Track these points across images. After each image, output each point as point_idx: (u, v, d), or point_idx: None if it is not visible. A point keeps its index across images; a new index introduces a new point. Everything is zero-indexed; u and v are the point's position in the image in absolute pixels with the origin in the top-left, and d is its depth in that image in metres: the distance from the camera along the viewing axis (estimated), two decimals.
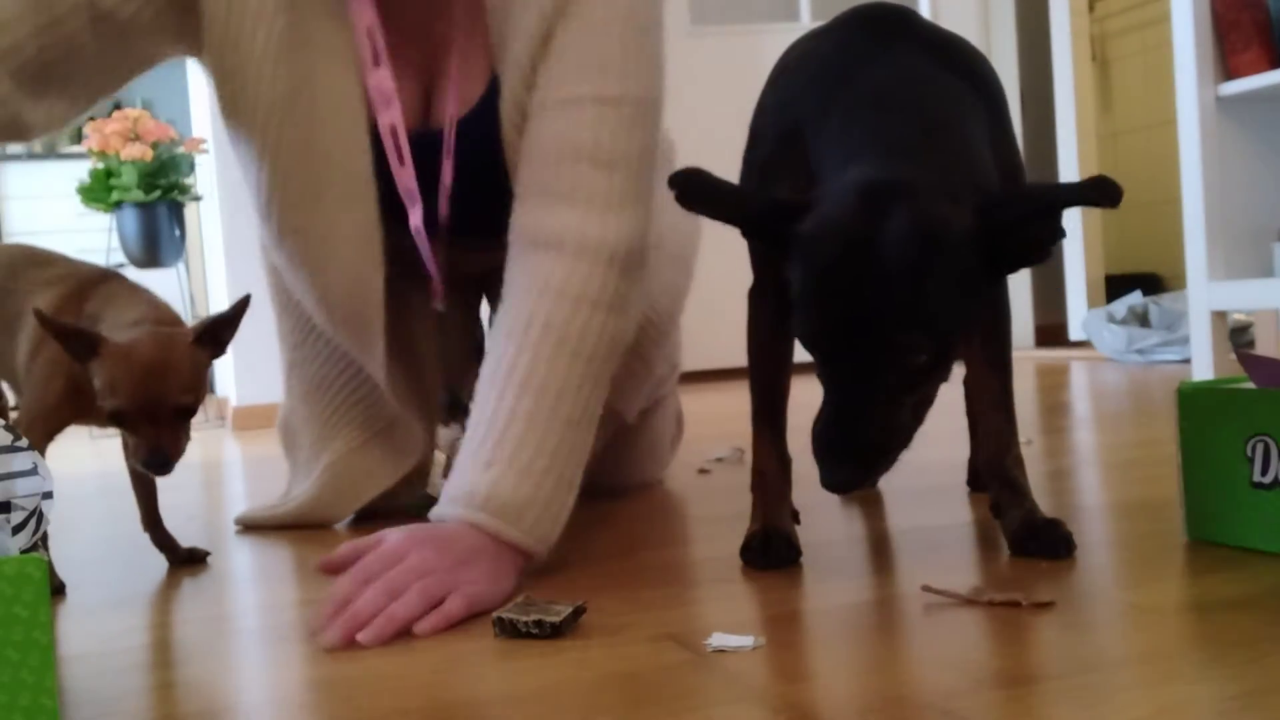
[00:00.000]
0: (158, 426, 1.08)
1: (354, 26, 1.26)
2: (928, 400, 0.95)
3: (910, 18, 1.06)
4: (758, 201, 0.99)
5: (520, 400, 1.07)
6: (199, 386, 1.12)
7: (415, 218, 1.32)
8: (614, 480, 1.58)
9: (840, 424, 0.90)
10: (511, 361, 1.09)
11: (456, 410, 1.52)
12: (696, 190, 0.96)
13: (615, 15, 1.18)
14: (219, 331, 1.14)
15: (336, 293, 1.33)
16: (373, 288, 1.33)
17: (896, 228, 0.87)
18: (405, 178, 1.30)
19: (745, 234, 0.99)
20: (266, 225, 1.33)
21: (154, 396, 1.07)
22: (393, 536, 1.01)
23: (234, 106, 1.27)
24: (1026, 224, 0.90)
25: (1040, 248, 0.90)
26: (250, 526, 1.51)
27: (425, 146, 1.31)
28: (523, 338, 1.10)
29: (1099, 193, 0.86)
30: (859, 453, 0.90)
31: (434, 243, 1.36)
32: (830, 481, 0.91)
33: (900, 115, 0.96)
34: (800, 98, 1.04)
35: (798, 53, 1.11)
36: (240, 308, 1.14)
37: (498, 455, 1.04)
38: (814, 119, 1.00)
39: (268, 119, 1.25)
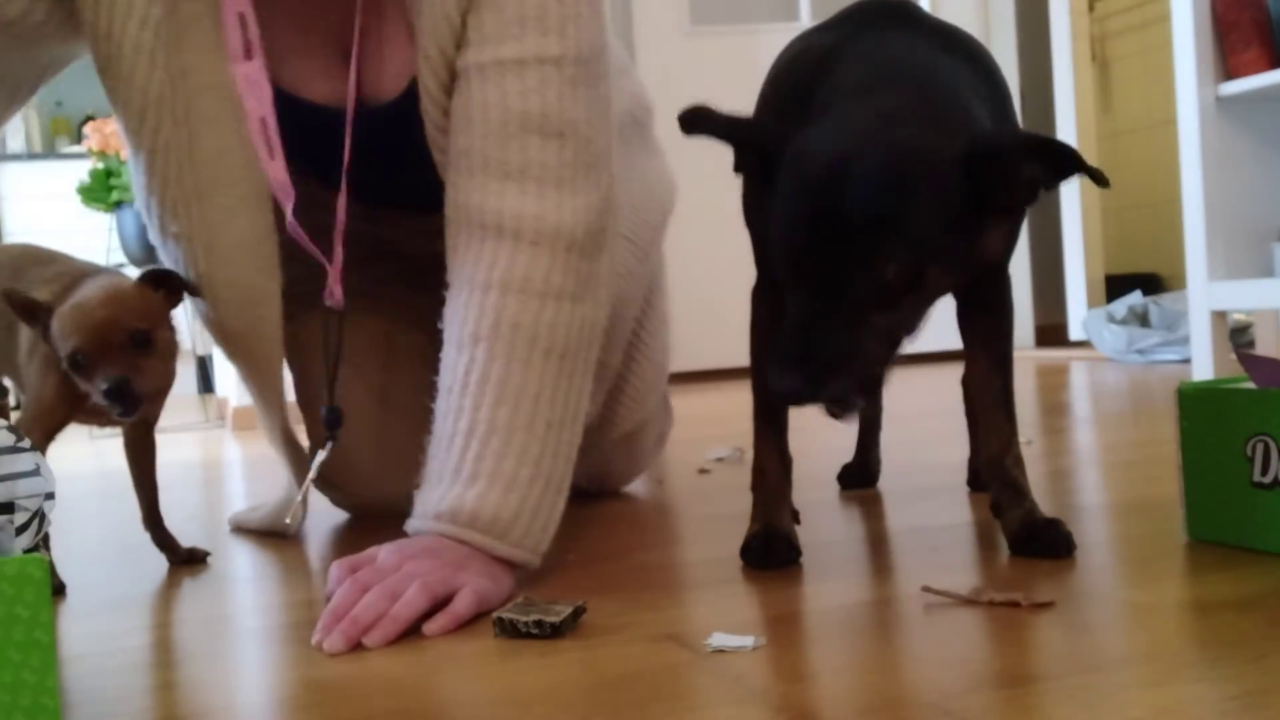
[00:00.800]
0: (113, 357, 1.10)
1: (222, 13, 1.15)
2: (897, 332, 0.91)
3: (912, 10, 1.06)
4: (757, 126, 1.00)
5: (497, 410, 1.03)
6: (151, 316, 1.13)
7: (289, 212, 1.20)
8: (592, 488, 1.55)
9: (799, 330, 0.87)
10: (484, 367, 1.04)
11: (337, 427, 1.32)
12: (700, 119, 0.98)
13: None
14: (167, 277, 1.16)
15: (228, 304, 1.24)
16: (268, 297, 1.25)
17: (879, 142, 0.88)
18: (275, 171, 1.19)
19: (738, 162, 0.99)
20: (149, 224, 1.25)
21: (103, 324, 1.09)
22: (383, 552, 1.00)
23: (113, 100, 1.17)
24: (1017, 156, 0.89)
25: (1030, 188, 0.89)
26: (239, 529, 1.50)
27: (359, 120, 1.21)
28: (491, 340, 1.05)
29: (1086, 168, 0.87)
30: (815, 362, 0.86)
31: (341, 231, 1.24)
32: (777, 387, 0.86)
33: (901, 83, 0.96)
34: (801, 83, 1.04)
35: (798, 46, 1.11)
36: None
37: (480, 469, 1.02)
38: (813, 99, 1.00)
39: (142, 118, 1.16)
